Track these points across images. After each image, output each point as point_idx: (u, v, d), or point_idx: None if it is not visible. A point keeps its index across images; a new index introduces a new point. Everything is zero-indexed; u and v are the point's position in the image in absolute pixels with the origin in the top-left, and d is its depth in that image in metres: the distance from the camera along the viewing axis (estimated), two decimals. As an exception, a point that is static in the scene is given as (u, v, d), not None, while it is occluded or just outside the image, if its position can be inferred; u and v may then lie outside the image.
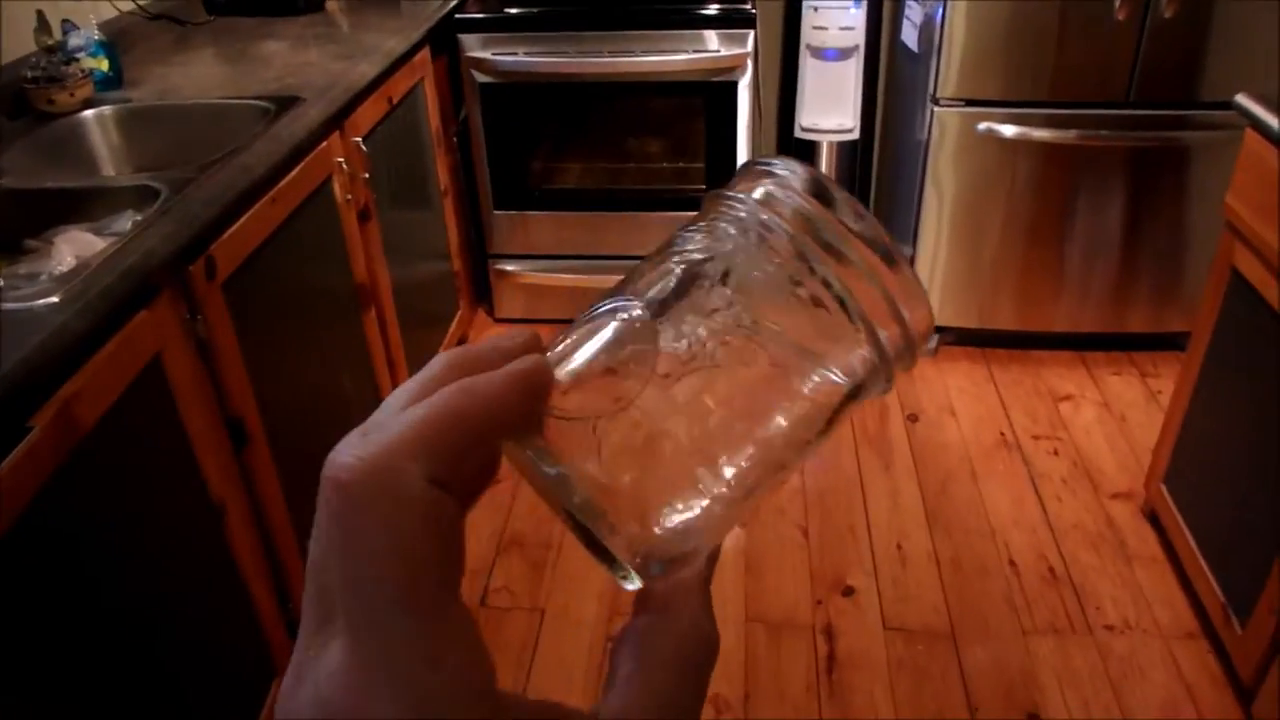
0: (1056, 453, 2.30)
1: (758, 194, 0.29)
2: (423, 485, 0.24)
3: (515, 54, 2.46)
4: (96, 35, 1.87)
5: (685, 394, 0.27)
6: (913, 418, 2.43)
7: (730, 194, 0.30)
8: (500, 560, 2.05)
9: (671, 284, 0.29)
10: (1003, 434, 2.36)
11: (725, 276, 0.28)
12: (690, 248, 0.29)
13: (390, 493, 0.24)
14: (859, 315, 0.28)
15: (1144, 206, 2.41)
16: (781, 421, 0.28)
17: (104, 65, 1.87)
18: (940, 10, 2.27)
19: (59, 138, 1.72)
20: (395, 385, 1.83)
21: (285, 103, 1.71)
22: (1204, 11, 2.18)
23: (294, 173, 1.59)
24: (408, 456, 0.24)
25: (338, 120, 1.77)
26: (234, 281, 1.41)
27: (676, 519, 0.27)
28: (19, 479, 0.96)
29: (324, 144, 1.71)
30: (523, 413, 0.26)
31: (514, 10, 2.53)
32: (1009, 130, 2.34)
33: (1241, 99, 1.63)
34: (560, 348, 0.29)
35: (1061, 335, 2.63)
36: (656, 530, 0.27)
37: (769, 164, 0.30)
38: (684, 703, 0.29)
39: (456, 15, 2.46)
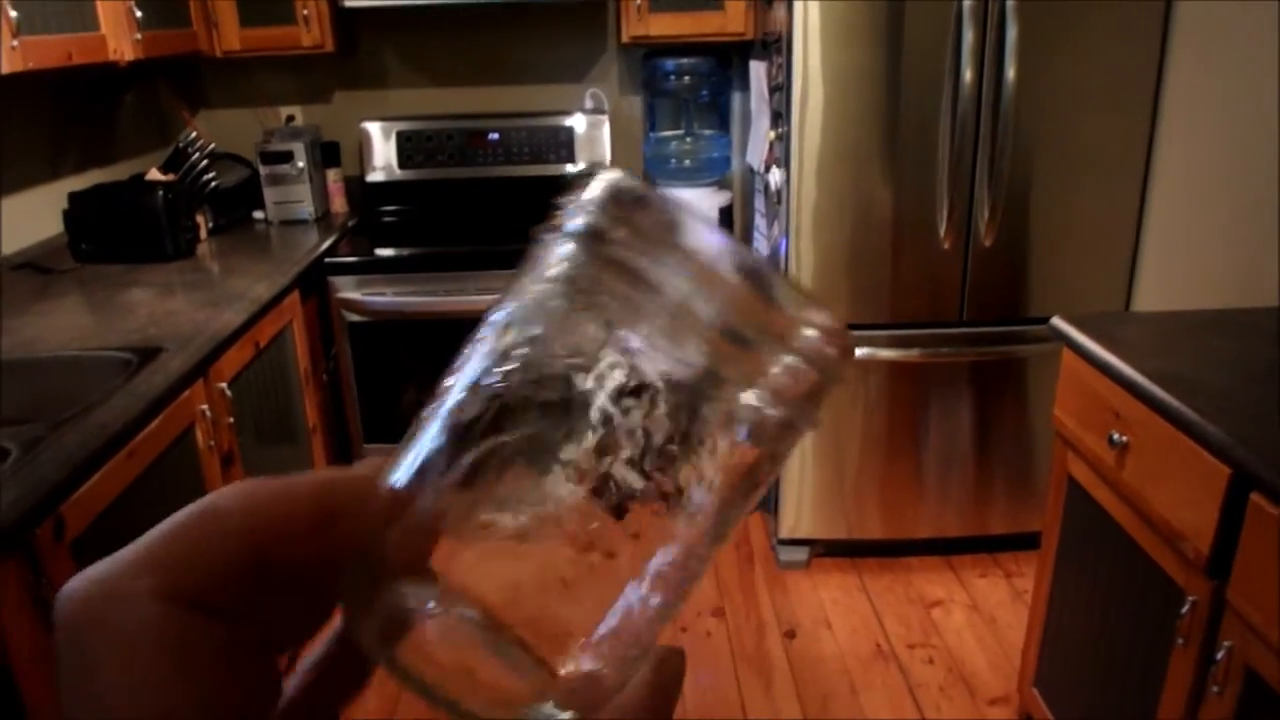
0: (932, 660, 2.33)
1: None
2: (154, 606, 0.20)
3: (385, 294, 2.55)
4: (-48, 289, 1.85)
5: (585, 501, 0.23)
6: (790, 634, 2.44)
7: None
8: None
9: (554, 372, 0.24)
10: (879, 645, 2.39)
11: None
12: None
13: (113, 617, 0.19)
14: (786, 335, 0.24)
15: (990, 415, 2.59)
16: (705, 508, 0.24)
17: (-42, 318, 1.84)
18: (784, 243, 2.48)
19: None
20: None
21: (147, 354, 1.70)
22: (1020, 239, 2.43)
23: (153, 425, 1.57)
24: (136, 573, 0.20)
25: (201, 369, 1.78)
26: (84, 540, 1.35)
27: (603, 648, 0.23)
28: None
29: (186, 393, 1.70)
30: (323, 513, 0.22)
31: (384, 252, 2.64)
32: (857, 351, 2.52)
33: (1056, 322, 1.76)
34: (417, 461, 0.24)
35: (927, 541, 2.72)
36: (582, 665, 0.23)
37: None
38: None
39: (327, 259, 2.55)
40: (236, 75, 3.08)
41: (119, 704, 0.19)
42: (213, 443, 1.80)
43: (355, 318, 2.57)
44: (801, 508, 2.65)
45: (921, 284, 2.48)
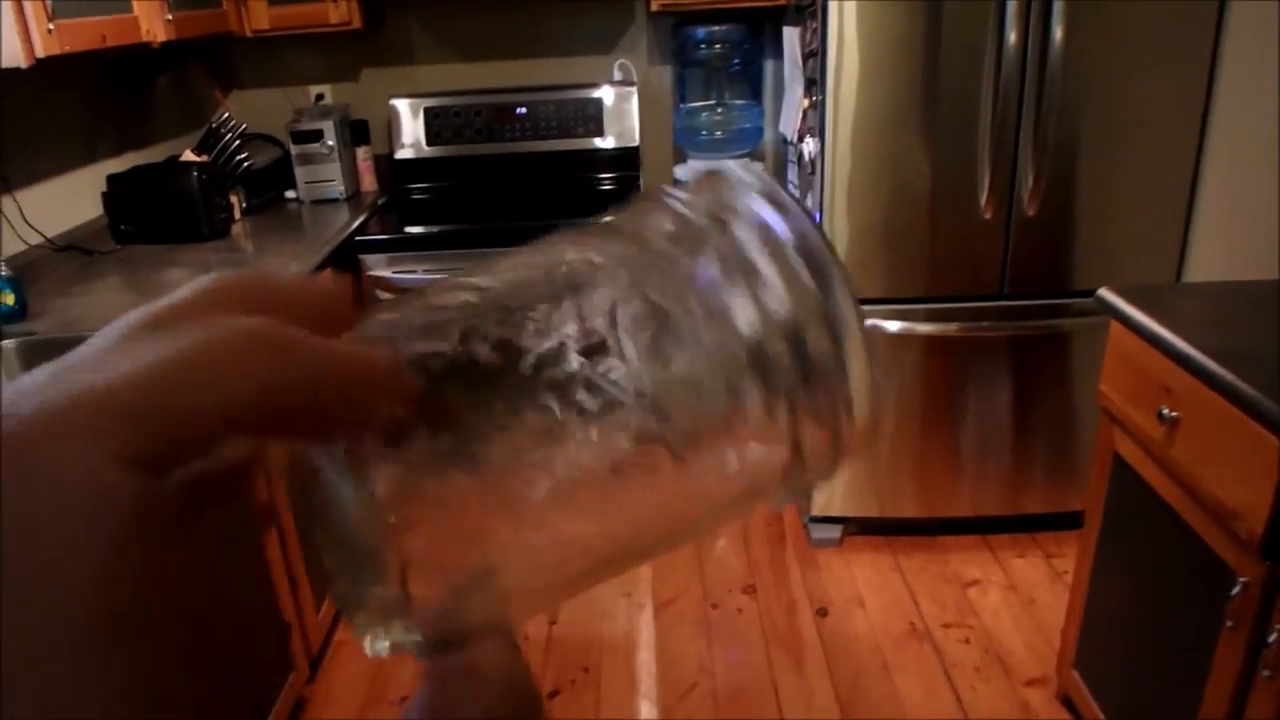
0: (968, 640, 2.30)
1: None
2: (113, 473, 0.16)
3: (415, 271, 2.54)
4: (3, 271, 1.90)
5: (544, 458, 0.22)
6: (822, 612, 2.42)
7: (683, 212, 0.24)
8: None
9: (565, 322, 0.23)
10: (912, 624, 2.37)
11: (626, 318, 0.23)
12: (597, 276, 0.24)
13: (57, 474, 0.15)
14: (791, 419, 0.23)
15: (1030, 391, 2.52)
16: (650, 516, 0.23)
17: (9, 300, 1.89)
18: (818, 215, 2.43)
19: (-44, 372, 1.71)
20: (297, 607, 1.79)
21: (181, 333, 1.72)
22: (1065, 209, 2.35)
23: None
24: (100, 421, 0.16)
25: (236, 347, 1.79)
26: None
27: (480, 593, 0.22)
28: None
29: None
30: (356, 420, 0.19)
31: (413, 230, 2.63)
32: (893, 326, 2.47)
33: (1104, 293, 1.71)
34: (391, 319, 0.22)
35: (964, 520, 2.68)
36: (444, 603, 0.21)
37: (730, 180, 0.25)
38: None
39: (357, 237, 2.55)
40: (266, 55, 3.08)
41: (50, 596, 0.15)
42: (249, 420, 1.81)
43: (387, 295, 2.57)
44: (834, 485, 2.62)
45: (961, 256, 2.42)
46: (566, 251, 0.25)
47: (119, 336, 0.18)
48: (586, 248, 0.24)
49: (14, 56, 1.73)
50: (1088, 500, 1.89)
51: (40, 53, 1.76)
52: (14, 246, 2.12)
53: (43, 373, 0.17)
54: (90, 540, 0.15)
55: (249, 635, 1.81)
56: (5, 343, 1.79)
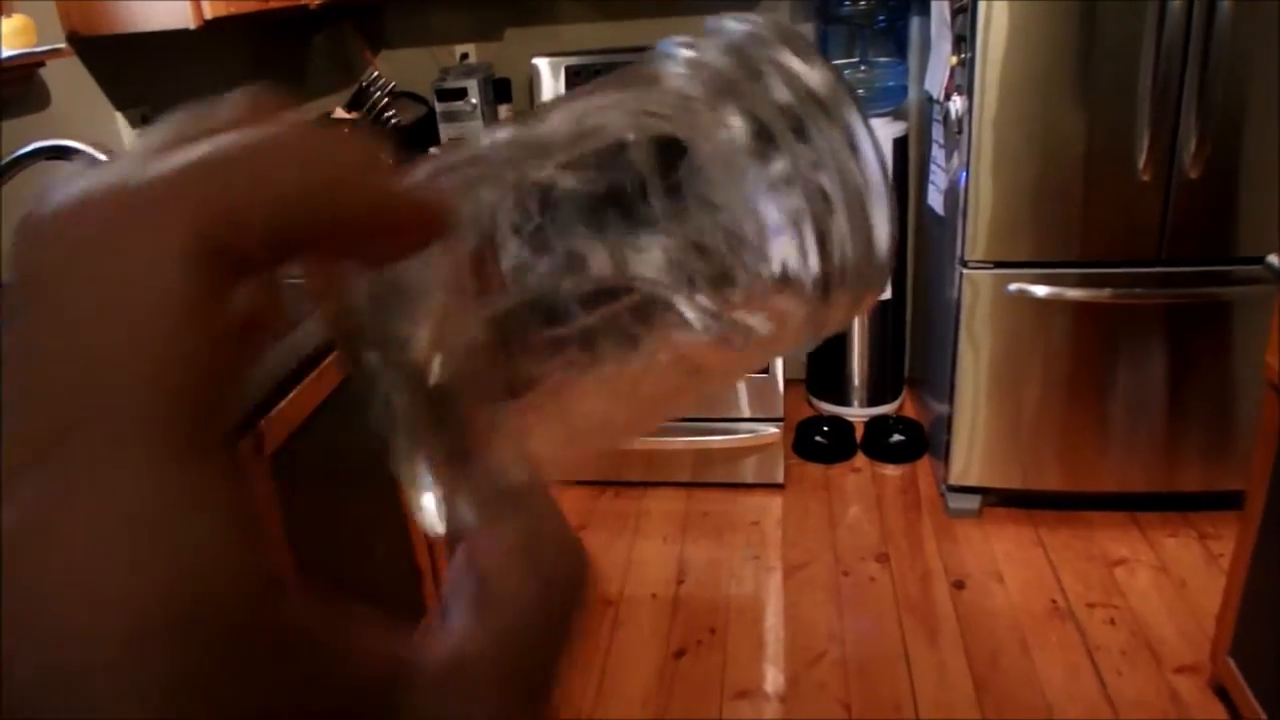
0: (1113, 622, 2.20)
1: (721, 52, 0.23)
2: (188, 244, 0.15)
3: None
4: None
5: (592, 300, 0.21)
6: (958, 584, 2.36)
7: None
8: None
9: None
10: (1054, 601, 2.27)
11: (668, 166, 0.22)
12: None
13: (137, 255, 0.15)
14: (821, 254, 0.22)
15: (1187, 362, 2.38)
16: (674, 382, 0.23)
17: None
18: (964, 176, 2.34)
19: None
20: (431, 555, 1.85)
21: (335, 282, 1.80)
22: (1231, 170, 2.20)
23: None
24: (175, 201, 0.15)
25: (384, 297, 1.86)
26: (280, 453, 1.46)
27: (530, 446, 0.22)
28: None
29: (370, 320, 1.79)
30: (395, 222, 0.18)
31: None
32: (1041, 290, 2.36)
33: (1274, 259, 1.60)
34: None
35: (1111, 495, 2.56)
36: (496, 461, 0.21)
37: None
38: (547, 640, 0.21)
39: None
40: (414, 15, 3.16)
41: (120, 368, 0.14)
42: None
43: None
44: (973, 453, 2.54)
45: (1115, 219, 2.29)
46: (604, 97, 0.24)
47: (174, 135, 0.17)
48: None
49: (183, 18, 1.83)
50: (1249, 480, 1.77)
51: (208, 14, 1.86)
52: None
53: (115, 164, 0.16)
54: (186, 334, 0.15)
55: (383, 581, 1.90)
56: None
